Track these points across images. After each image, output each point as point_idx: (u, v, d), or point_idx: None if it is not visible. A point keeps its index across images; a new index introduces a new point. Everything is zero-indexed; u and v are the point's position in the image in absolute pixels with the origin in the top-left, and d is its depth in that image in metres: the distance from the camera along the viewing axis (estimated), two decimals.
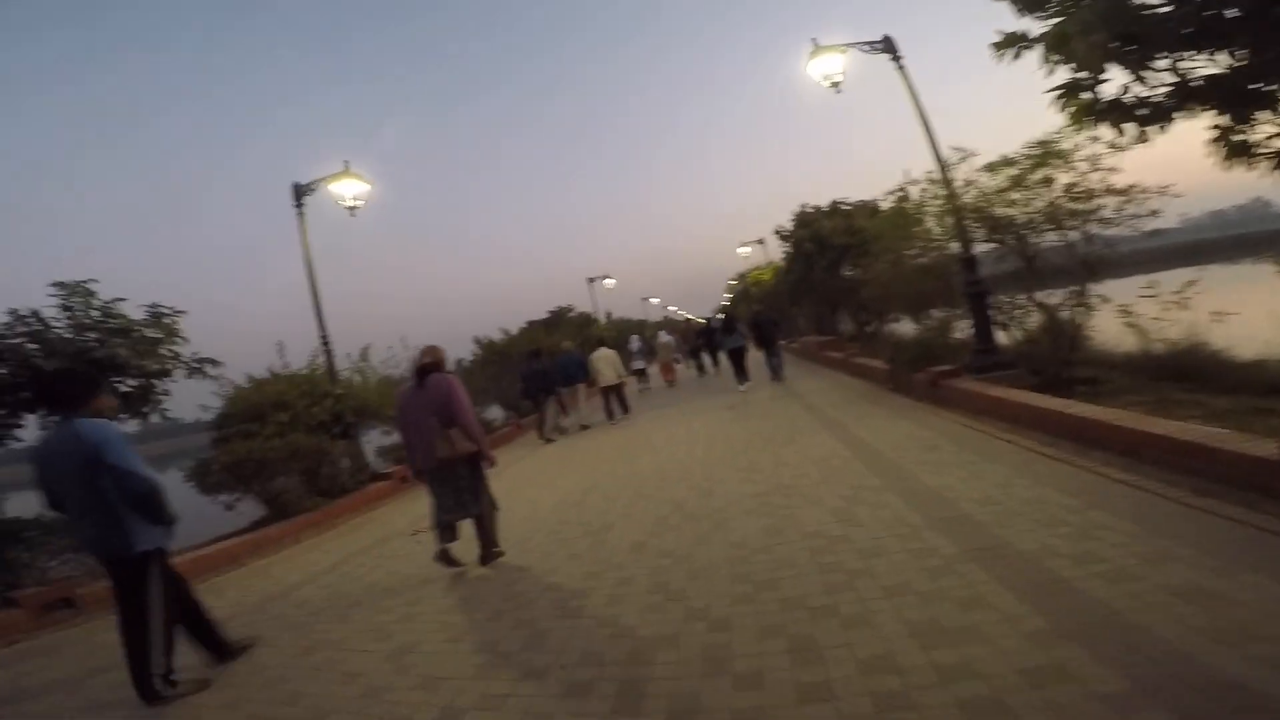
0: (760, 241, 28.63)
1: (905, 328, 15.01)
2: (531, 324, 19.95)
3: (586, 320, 22.46)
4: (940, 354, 7.93)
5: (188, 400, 7.68)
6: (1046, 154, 6.60)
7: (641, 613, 3.06)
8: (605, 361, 11.70)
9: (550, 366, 11.56)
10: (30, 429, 5.80)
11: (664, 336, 19.75)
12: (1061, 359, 6.72)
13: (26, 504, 5.73)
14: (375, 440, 10.64)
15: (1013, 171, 6.92)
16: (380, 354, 10.51)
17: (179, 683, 3.11)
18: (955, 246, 7.94)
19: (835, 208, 14.90)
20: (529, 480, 7.41)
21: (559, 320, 21.19)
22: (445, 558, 4.26)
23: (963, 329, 8.76)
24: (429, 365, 4.27)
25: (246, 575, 5.68)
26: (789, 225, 15.73)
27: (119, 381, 6.22)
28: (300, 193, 8.84)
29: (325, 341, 8.79)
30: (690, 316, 60.51)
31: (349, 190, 8.90)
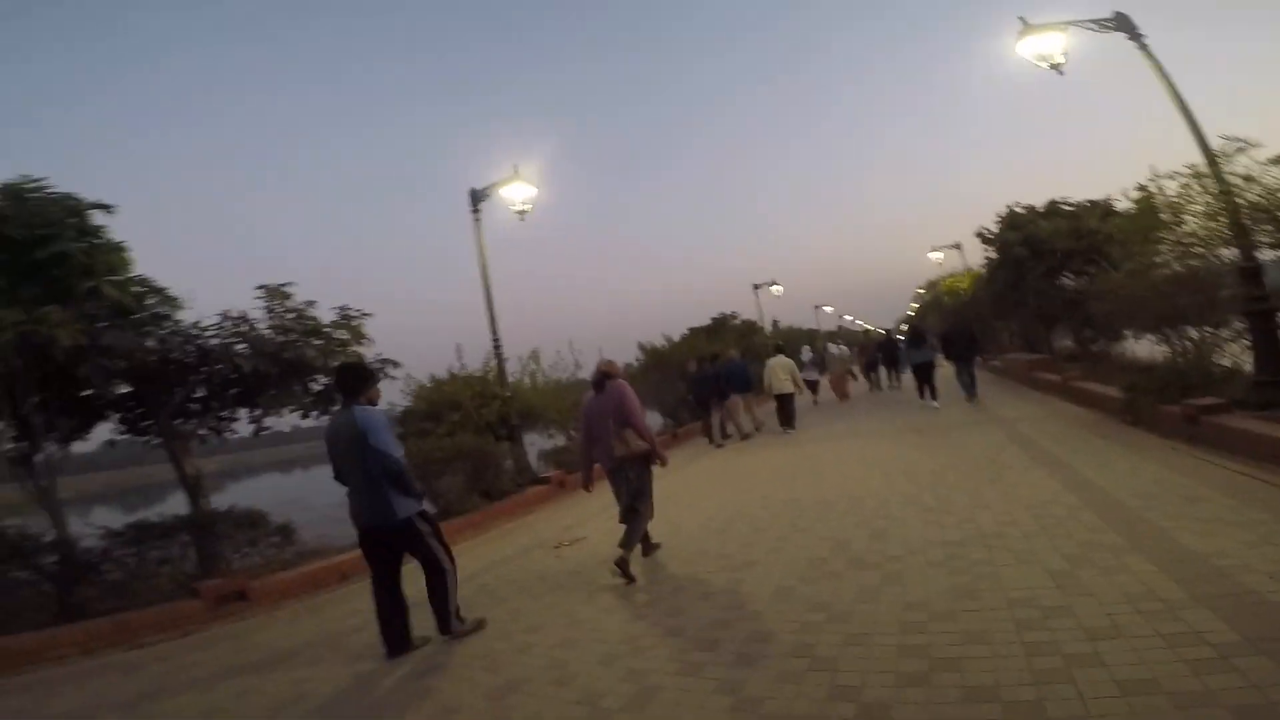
0: (956, 246, 25.98)
1: (1142, 349, 12.65)
2: (693, 330, 19.90)
3: (750, 328, 21.93)
4: (1197, 383, 6.48)
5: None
6: None
7: (773, 683, 2.59)
8: (782, 368, 11.45)
9: (719, 372, 11.52)
10: (243, 424, 6.74)
11: (834, 349, 19.41)
12: None
13: (224, 497, 6.49)
14: (537, 443, 10.90)
15: None
16: (548, 358, 11.10)
17: (465, 620, 3.81)
18: (1226, 254, 6.47)
19: (1054, 207, 12.91)
20: (674, 498, 6.73)
21: (720, 327, 20.90)
22: (623, 569, 4.35)
23: (1231, 354, 7.10)
24: (606, 374, 4.74)
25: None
26: (993, 227, 13.92)
27: (311, 380, 6.76)
28: (477, 198, 9.51)
29: (497, 344, 9.38)
30: (869, 327, 56.96)
31: (519, 194, 9.35)
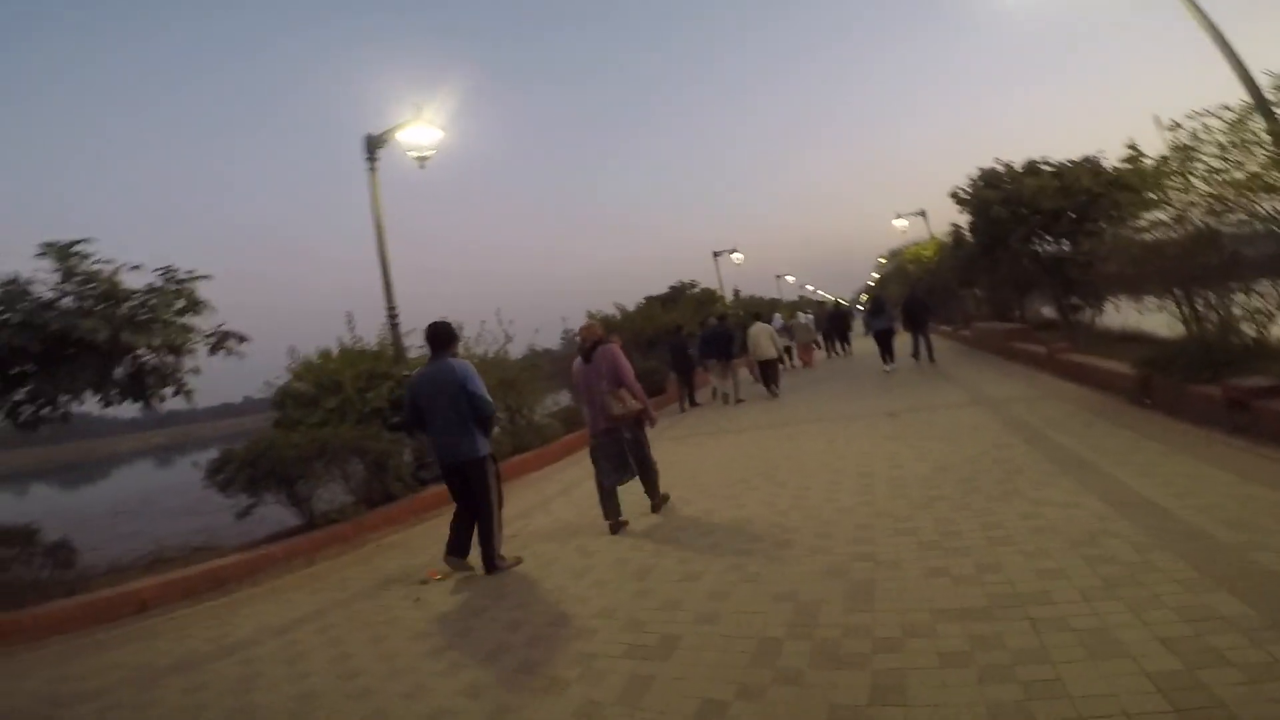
0: (921, 213, 25.02)
1: (1131, 318, 11.70)
2: (649, 300, 18.57)
3: (710, 297, 20.61)
4: (1227, 358, 5.35)
5: (210, 381, 6.61)
6: None
7: None
8: (765, 335, 11.87)
9: (720, 334, 12.13)
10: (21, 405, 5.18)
11: (803, 317, 18.85)
12: None
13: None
14: None
15: None
16: (472, 330, 9.63)
17: (505, 558, 4.36)
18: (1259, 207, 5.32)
19: (1034, 167, 11.74)
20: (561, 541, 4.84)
21: (679, 296, 19.53)
22: (616, 529, 4.72)
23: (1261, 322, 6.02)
24: (594, 341, 4.88)
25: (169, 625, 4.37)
26: (968, 188, 12.72)
27: (117, 359, 5.35)
28: (373, 145, 7.82)
29: (392, 314, 7.77)
30: (831, 298, 56.55)
31: (421, 138, 7.72)
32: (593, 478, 4.96)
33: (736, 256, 25.55)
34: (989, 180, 11.97)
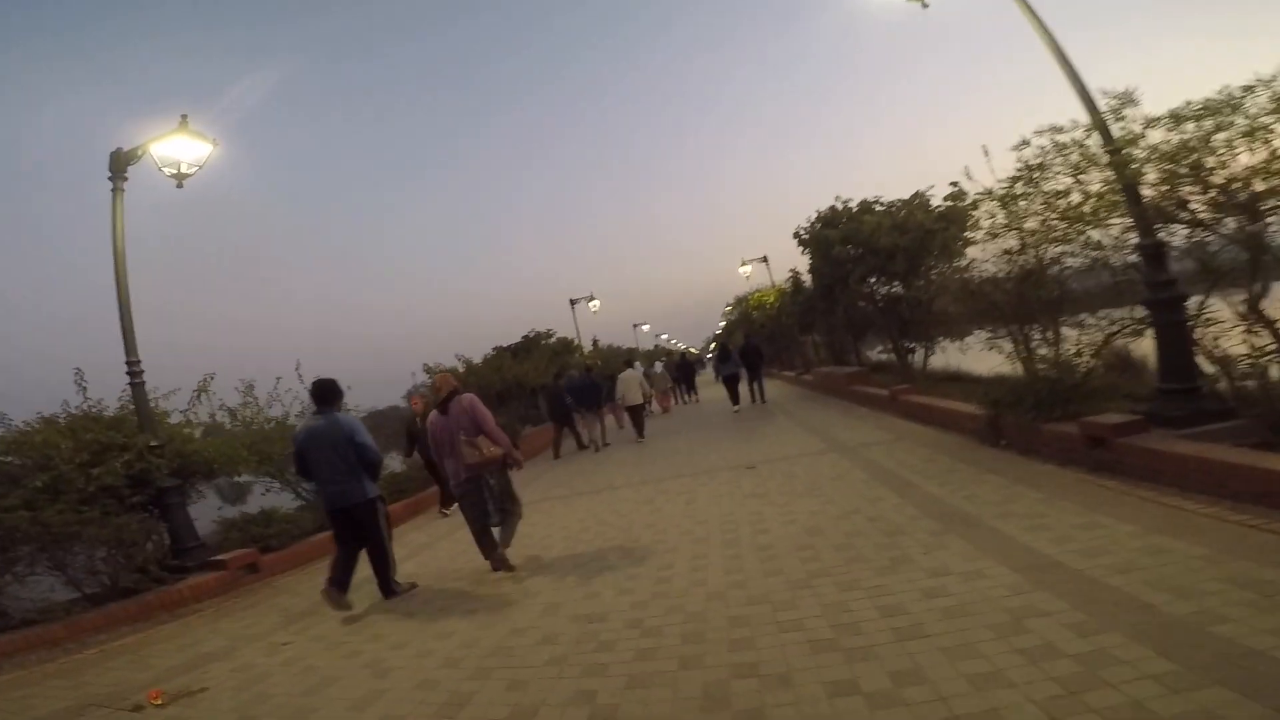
0: (763, 259, 26.13)
1: (953, 359, 12.38)
2: (499, 350, 17.19)
3: (566, 346, 19.61)
4: (1078, 394, 5.24)
5: None
6: None
7: None
8: (634, 381, 12.43)
9: (590, 384, 12.21)
10: None
11: (658, 366, 19.23)
12: None
13: None
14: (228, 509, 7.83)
15: (1238, 119, 4.19)
16: (264, 388, 7.95)
17: (401, 584, 4.74)
18: (1097, 236, 5.36)
19: (868, 206, 12.16)
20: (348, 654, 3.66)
21: (532, 346, 18.32)
22: (502, 565, 4.68)
23: (1106, 356, 6.15)
24: (450, 393, 4.78)
25: None
26: (806, 228, 12.93)
27: None
28: (122, 162, 6.04)
29: (134, 370, 5.93)
30: (683, 347, 58.32)
31: (184, 152, 6.17)
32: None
33: (594, 304, 24.95)
34: (828, 220, 12.23)
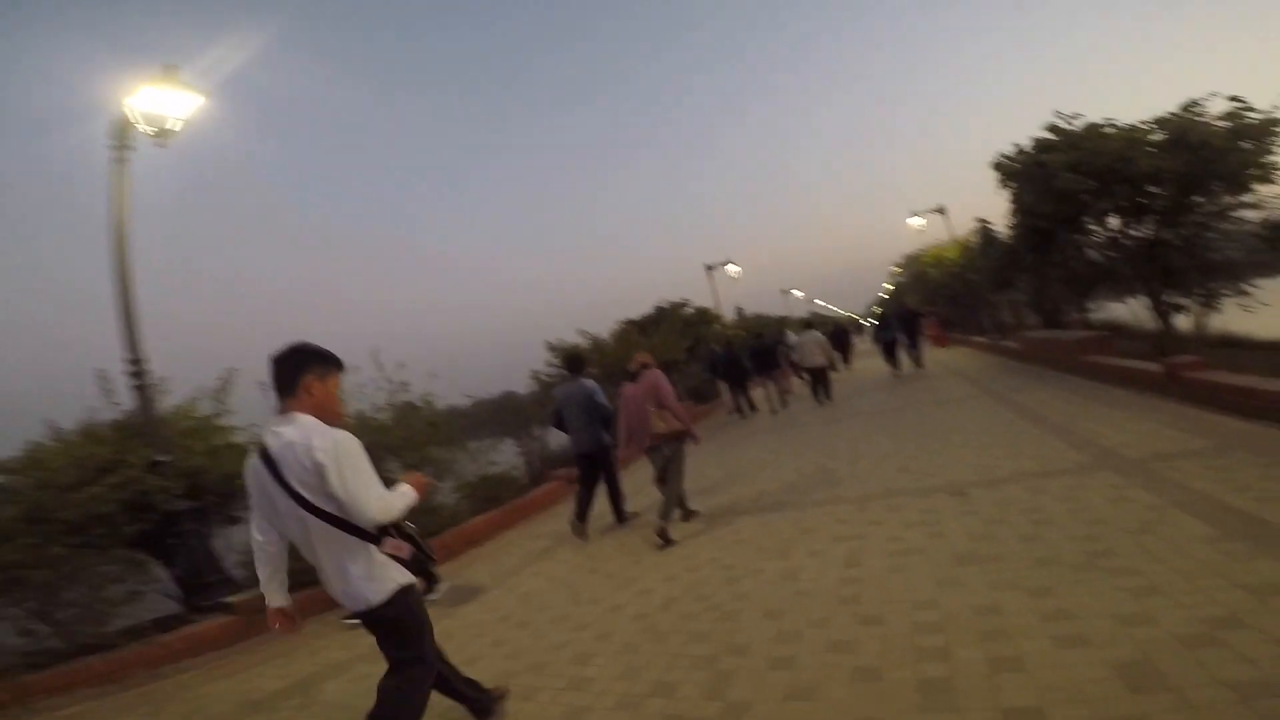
0: (940, 210, 22.06)
1: (1236, 319, 8.62)
2: (628, 324, 15.67)
3: (705, 316, 17.60)
4: None
5: None
6: None
7: None
8: (815, 344, 12.19)
9: (768, 347, 13.49)
10: None
11: (790, 338, 16.50)
12: None
13: None
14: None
15: None
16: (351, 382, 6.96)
17: (633, 513, 5.93)
18: None
19: (1096, 129, 8.75)
20: None
21: (664, 318, 16.59)
22: (661, 534, 4.89)
23: None
24: (643, 365, 5.24)
25: None
26: (1013, 156, 9.70)
27: None
28: (126, 128, 5.14)
29: (137, 368, 5.01)
30: (842, 313, 53.88)
31: (170, 106, 5.17)
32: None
33: (732, 269, 22.74)
34: (1046, 145, 8.96)
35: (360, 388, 7.16)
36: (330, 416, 2.19)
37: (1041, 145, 9.08)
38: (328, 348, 2.27)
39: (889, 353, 14.49)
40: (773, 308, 39.76)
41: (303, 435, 2.04)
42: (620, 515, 5.83)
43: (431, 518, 6.37)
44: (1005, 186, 9.93)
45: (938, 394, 10.00)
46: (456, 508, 6.94)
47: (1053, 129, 9.03)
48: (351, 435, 2.11)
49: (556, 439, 10.89)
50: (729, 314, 24.48)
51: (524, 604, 4.33)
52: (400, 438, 6.68)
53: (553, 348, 12.35)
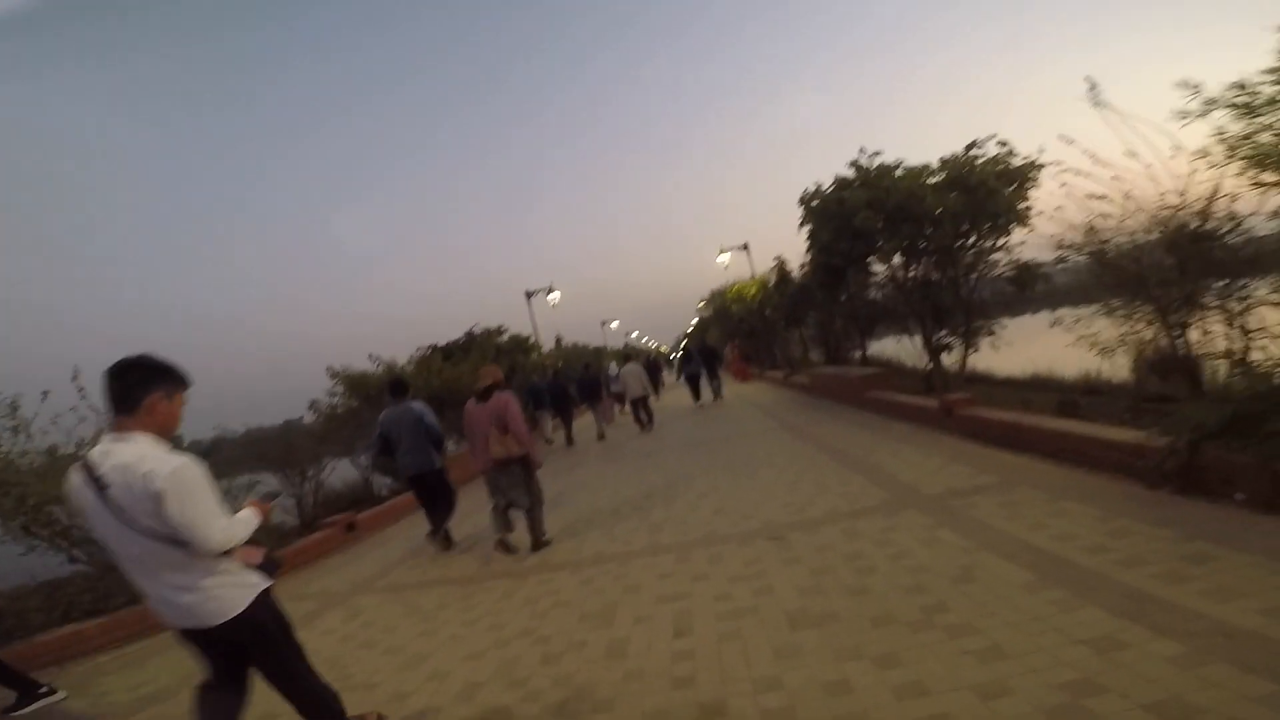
0: (744, 247, 23.77)
1: (987, 357, 10.10)
2: (432, 349, 14.37)
3: (520, 344, 16.75)
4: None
5: None
6: None
7: None
8: (634, 375, 12.71)
9: (593, 379, 14.19)
10: None
11: (613, 369, 16.83)
12: None
13: None
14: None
15: None
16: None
17: (455, 542, 6.02)
18: None
19: (887, 170, 9.73)
20: None
21: (474, 344, 15.47)
22: (503, 546, 5.15)
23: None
24: (492, 385, 5.10)
25: None
26: (815, 193, 10.34)
27: None
28: None
29: None
30: (654, 345, 56.19)
31: None
32: None
33: (553, 296, 22.20)
34: (844, 183, 9.71)
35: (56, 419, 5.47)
36: (169, 437, 2.10)
37: (841, 183, 9.84)
38: (174, 363, 2.15)
39: (693, 384, 15.68)
40: (591, 337, 40.03)
41: (138, 459, 1.94)
42: (436, 530, 5.82)
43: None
44: (806, 223, 10.61)
45: (742, 426, 10.36)
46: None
47: (855, 165, 9.84)
48: (191, 461, 2.00)
49: (340, 472, 9.51)
50: (548, 342, 23.88)
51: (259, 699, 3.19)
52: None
53: (334, 374, 10.69)
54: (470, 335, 16.30)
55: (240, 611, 2.09)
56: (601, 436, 12.89)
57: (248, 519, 2.19)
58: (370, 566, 6.00)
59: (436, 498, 5.80)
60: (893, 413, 8.46)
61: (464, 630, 3.80)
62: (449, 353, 14.44)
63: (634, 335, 55.33)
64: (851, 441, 7.22)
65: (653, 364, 21.25)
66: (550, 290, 22.17)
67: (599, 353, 29.67)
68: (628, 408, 13.34)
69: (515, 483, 5.03)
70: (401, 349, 25.55)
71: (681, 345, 43.73)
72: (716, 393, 15.60)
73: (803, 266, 15.06)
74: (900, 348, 15.24)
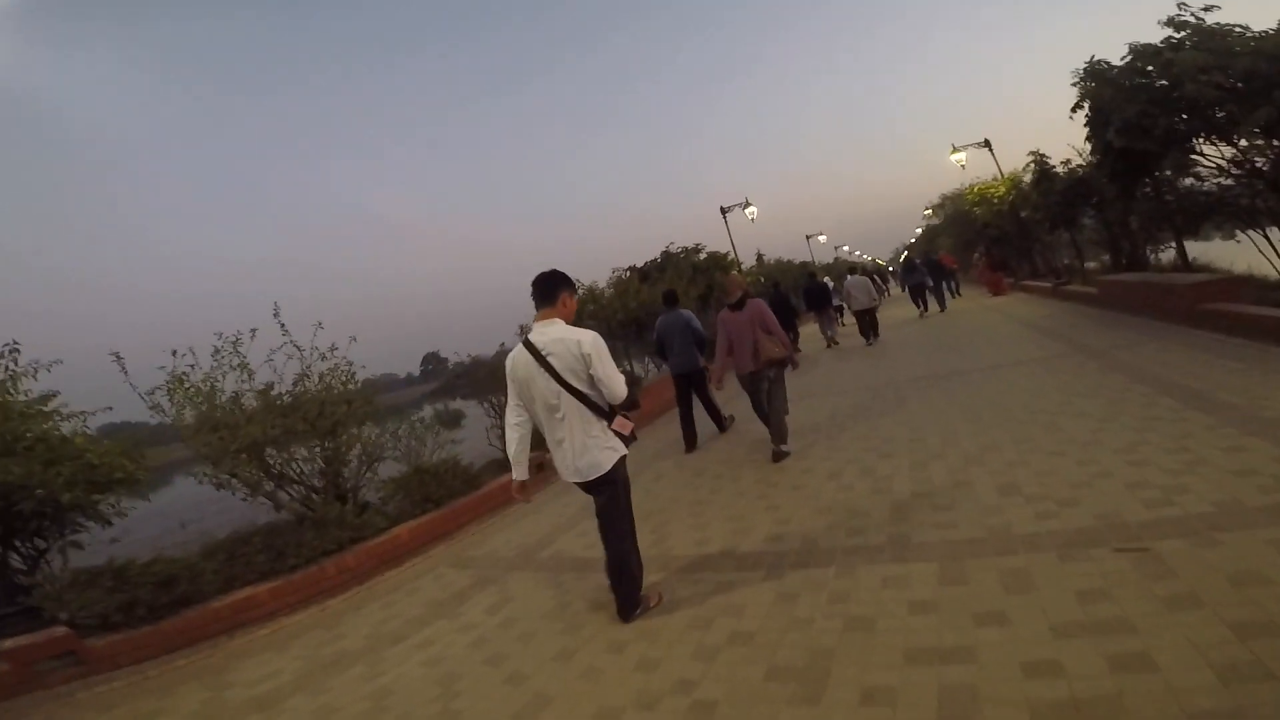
0: (985, 144, 19.48)
1: None
2: (629, 270, 13.78)
3: (718, 262, 15.42)
4: None
5: None
6: None
7: None
8: (860, 287, 12.49)
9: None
10: None
11: (863, 278, 14.57)
12: None
13: None
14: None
15: None
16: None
17: (730, 416, 7.03)
18: None
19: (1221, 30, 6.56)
20: None
21: (669, 264, 14.56)
22: (779, 456, 5.24)
23: None
24: (746, 293, 5.41)
25: None
26: (1103, 63, 7.46)
27: None
28: None
29: None
30: (867, 259, 51.41)
31: None
32: None
33: (749, 210, 20.48)
34: (1166, 45, 6.78)
35: (267, 358, 5.62)
36: (570, 321, 2.92)
37: (1156, 49, 6.86)
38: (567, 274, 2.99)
39: (917, 295, 15.44)
40: (795, 253, 37.26)
41: (568, 333, 2.78)
42: (720, 424, 6.78)
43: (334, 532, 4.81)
44: (1088, 102, 7.69)
45: (1014, 351, 7.99)
46: (367, 519, 5.21)
47: (1173, 22, 6.79)
48: (598, 334, 2.84)
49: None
50: (748, 259, 22.38)
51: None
52: (309, 418, 5.10)
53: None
54: (666, 254, 15.47)
55: (604, 472, 2.84)
56: (834, 343, 13.48)
57: (624, 383, 2.84)
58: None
59: (696, 395, 6.60)
60: (1254, 334, 5.79)
61: (650, 644, 2.94)
62: (645, 274, 13.80)
63: (844, 248, 50.70)
64: (1211, 377, 4.80)
65: (880, 272, 20.68)
66: (747, 205, 20.42)
67: (805, 267, 27.18)
68: (845, 321, 13.33)
69: (775, 381, 5.27)
70: (598, 275, 25.84)
71: (902, 257, 39.06)
72: (942, 305, 15.61)
73: (1066, 162, 11.73)
74: (1231, 251, 11.26)
